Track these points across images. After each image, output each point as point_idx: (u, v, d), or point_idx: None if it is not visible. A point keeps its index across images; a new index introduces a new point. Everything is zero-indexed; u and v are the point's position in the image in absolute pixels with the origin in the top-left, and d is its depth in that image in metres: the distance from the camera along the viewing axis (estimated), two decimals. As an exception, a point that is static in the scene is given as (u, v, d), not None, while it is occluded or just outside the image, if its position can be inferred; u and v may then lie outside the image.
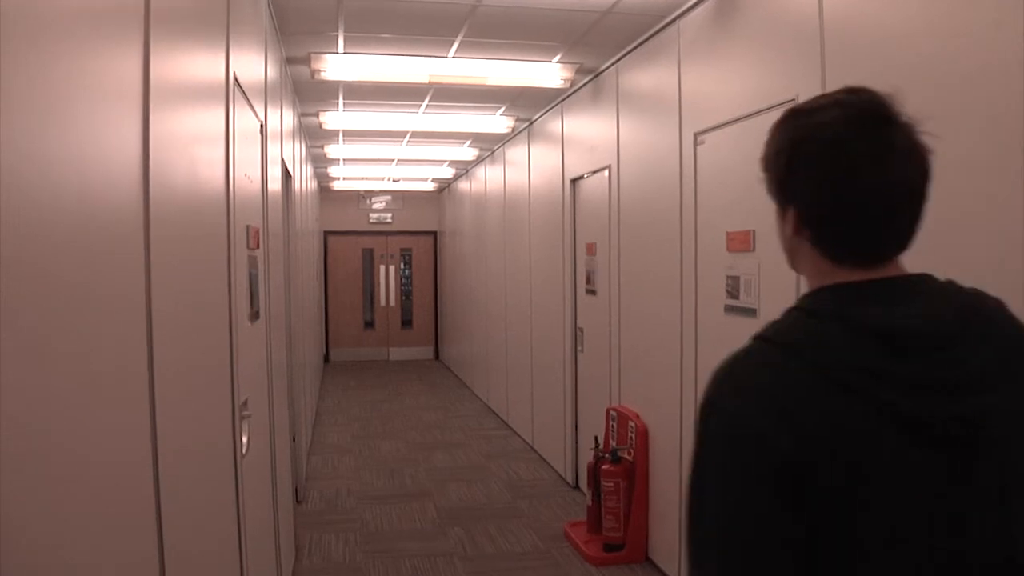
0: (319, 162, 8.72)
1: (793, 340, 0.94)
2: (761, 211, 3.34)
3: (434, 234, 12.54)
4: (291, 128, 5.13)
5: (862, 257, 0.96)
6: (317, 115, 6.08)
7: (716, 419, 0.94)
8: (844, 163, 0.93)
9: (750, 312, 3.11)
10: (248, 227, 2.62)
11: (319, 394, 9.05)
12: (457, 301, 10.85)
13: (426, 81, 4.63)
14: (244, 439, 2.48)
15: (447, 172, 9.83)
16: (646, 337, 4.16)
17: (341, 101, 5.67)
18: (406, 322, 12.65)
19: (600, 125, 4.84)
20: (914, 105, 0.96)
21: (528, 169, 6.64)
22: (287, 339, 4.41)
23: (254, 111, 2.87)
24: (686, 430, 3.70)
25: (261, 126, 3.07)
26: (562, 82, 4.83)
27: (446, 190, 11.48)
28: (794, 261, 1.07)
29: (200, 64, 2.00)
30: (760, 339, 0.96)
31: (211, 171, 2.06)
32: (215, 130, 2.14)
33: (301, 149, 6.37)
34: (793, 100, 2.82)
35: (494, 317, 8.18)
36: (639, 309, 4.27)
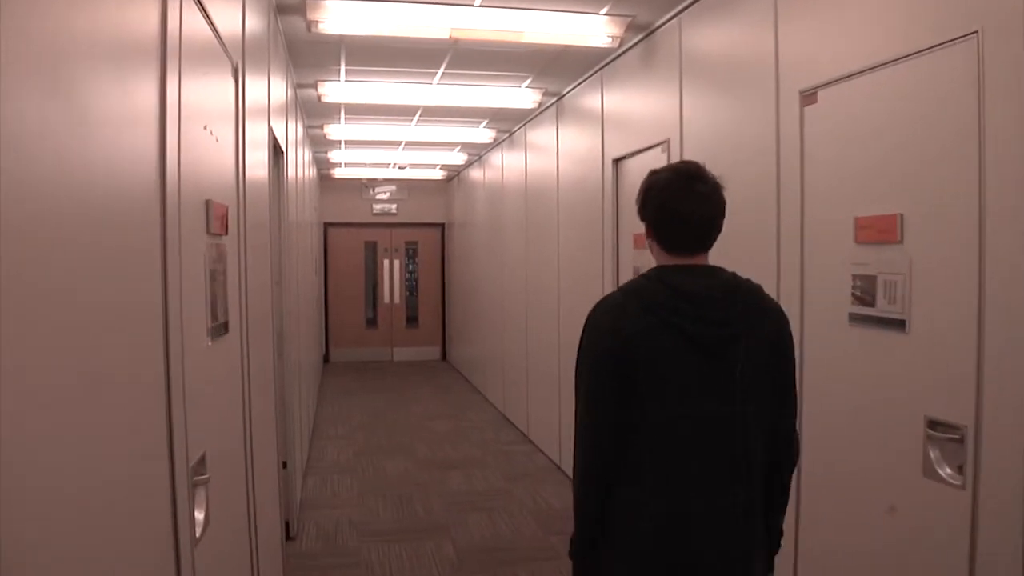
0: (318, 145, 7.90)
1: (632, 289, 1.76)
2: (917, 187, 2.37)
3: (442, 226, 11.72)
4: (283, 97, 4.31)
5: (680, 251, 1.77)
6: (315, 86, 5.27)
7: (588, 328, 1.77)
8: (668, 198, 1.76)
9: (894, 325, 2.31)
10: (209, 204, 1.82)
11: (317, 400, 8.26)
12: (467, 298, 10.04)
13: (447, 36, 3.81)
14: (199, 515, 1.68)
15: (458, 158, 9.01)
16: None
17: (343, 68, 4.86)
18: (411, 320, 11.84)
19: (654, 92, 4.03)
20: None
21: (556, 151, 5.82)
22: (276, 347, 3.60)
23: (220, 40, 2.05)
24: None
25: (235, 68, 2.26)
26: (609, 40, 4.02)
27: (455, 179, 10.67)
28: (652, 254, 1.83)
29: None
30: (618, 290, 1.80)
31: (124, 107, 1.26)
32: (138, 38, 1.33)
33: (297, 128, 5.56)
34: (975, 34, 2.02)
35: (511, 317, 7.38)
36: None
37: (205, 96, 1.86)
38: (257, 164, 2.85)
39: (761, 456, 1.73)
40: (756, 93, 3.06)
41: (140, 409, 1.29)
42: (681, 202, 1.73)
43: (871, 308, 2.41)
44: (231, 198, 2.16)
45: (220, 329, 1.93)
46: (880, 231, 2.37)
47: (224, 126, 2.11)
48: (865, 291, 2.44)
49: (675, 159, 3.76)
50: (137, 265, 1.28)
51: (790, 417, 1.81)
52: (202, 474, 1.70)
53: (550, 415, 5.91)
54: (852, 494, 2.51)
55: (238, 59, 2.32)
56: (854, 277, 2.48)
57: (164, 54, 1.44)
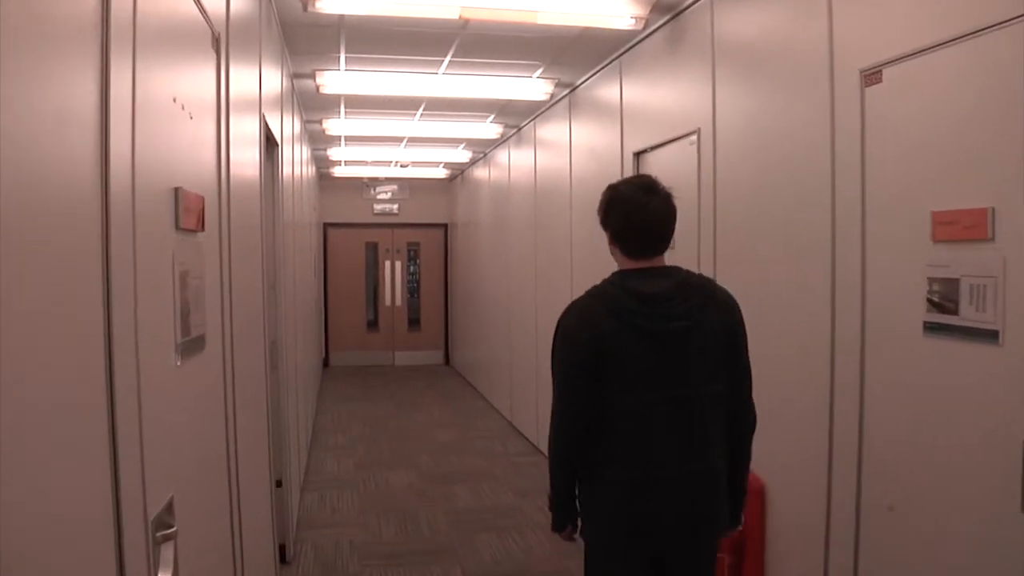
0: (317, 141, 7.58)
1: (597, 294, 2.03)
2: (1012, 176, 2.00)
3: (445, 226, 11.39)
4: (277, 84, 3.99)
5: (640, 256, 2.05)
6: (313, 76, 4.94)
7: (560, 331, 2.04)
8: (629, 210, 2.04)
9: (983, 335, 1.98)
10: (179, 193, 1.49)
11: (316, 407, 7.93)
12: (471, 301, 9.71)
13: (456, 16, 3.49)
14: (164, 576, 1.35)
15: (462, 156, 8.69)
16: (763, 363, 3.01)
17: (343, 56, 4.54)
18: (413, 322, 11.50)
19: (682, 79, 3.70)
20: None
21: (569, 146, 5.49)
22: (268, 358, 3.27)
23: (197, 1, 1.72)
24: (840, 497, 2.56)
25: (216, 38, 1.94)
26: (632, 22, 3.70)
27: (459, 178, 10.34)
28: (616, 259, 2.10)
29: None
30: (586, 295, 2.05)
31: (53, 68, 0.93)
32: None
33: (294, 121, 5.23)
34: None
35: (519, 321, 7.05)
36: (749, 318, 3.12)
37: (173, 60, 1.53)
38: (246, 153, 2.53)
39: (723, 428, 2.08)
40: (805, 75, 2.73)
41: (68, 461, 0.96)
42: (640, 213, 2.03)
43: (953, 316, 2.08)
44: (210, 188, 1.83)
45: (194, 345, 1.60)
46: (965, 227, 2.04)
47: (201, 102, 1.78)
48: (945, 296, 2.11)
49: (707, 149, 3.43)
50: (62, 270, 0.95)
51: (747, 389, 2.15)
52: (167, 527, 1.37)
53: (562, 425, 5.57)
54: (931, 534, 2.18)
55: (220, 29, 2.00)
56: (930, 281, 2.15)
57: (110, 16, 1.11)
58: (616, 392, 1.95)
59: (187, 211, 1.54)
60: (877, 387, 2.38)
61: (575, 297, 2.11)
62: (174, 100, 1.51)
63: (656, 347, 1.95)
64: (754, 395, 2.19)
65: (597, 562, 2.12)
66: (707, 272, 3.46)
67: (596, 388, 1.95)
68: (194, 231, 1.63)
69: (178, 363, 1.47)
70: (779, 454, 2.90)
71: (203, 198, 1.68)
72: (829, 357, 2.58)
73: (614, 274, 2.06)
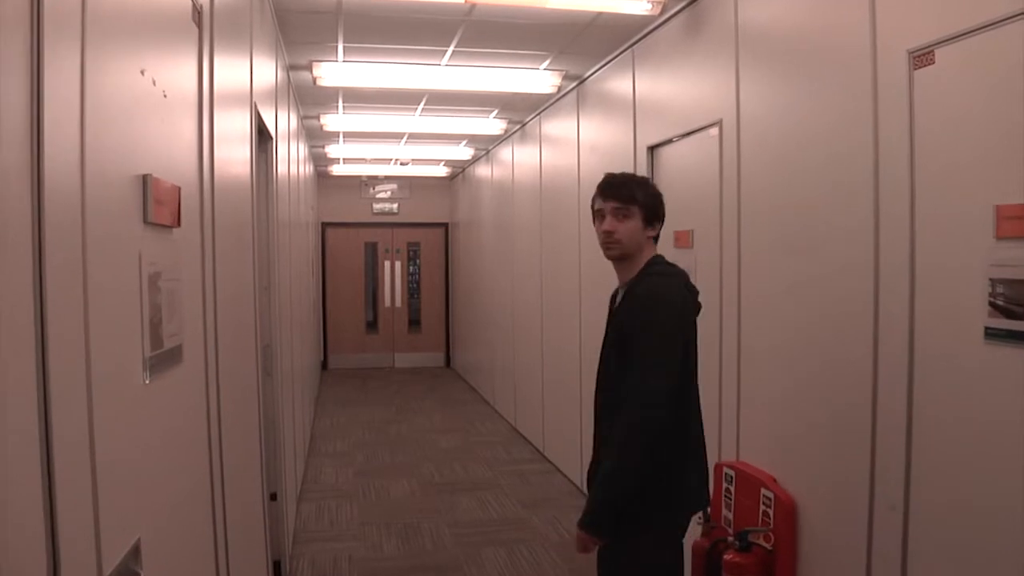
0: (315, 138, 7.36)
1: (668, 272, 2.15)
2: None
3: (445, 226, 11.18)
4: (271, 75, 3.78)
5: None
6: (310, 67, 4.72)
7: (664, 301, 2.04)
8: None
9: (1060, 345, 1.76)
10: (147, 180, 1.27)
11: (315, 411, 7.71)
12: (473, 302, 9.49)
13: (462, 0, 3.27)
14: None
15: (464, 153, 8.47)
16: (795, 368, 2.80)
17: (341, 46, 4.32)
18: (413, 324, 11.28)
19: (702, 67, 3.48)
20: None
21: (577, 141, 5.27)
22: (261, 365, 3.06)
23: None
24: (884, 515, 2.34)
25: (197, 8, 1.72)
26: (648, 7, 3.48)
27: (460, 176, 10.12)
28: (636, 250, 2.15)
29: None
30: (657, 275, 2.11)
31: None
32: None
33: (290, 116, 5.02)
34: None
35: (523, 324, 6.83)
36: (779, 323, 2.91)
37: (141, 27, 1.31)
38: (235, 144, 2.31)
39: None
40: (842, 58, 2.51)
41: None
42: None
43: (1020, 322, 1.87)
44: (190, 179, 1.62)
45: (167, 358, 1.38)
46: (1038, 222, 1.82)
47: (180, 80, 1.56)
48: (1011, 299, 1.89)
49: (730, 140, 3.21)
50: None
51: None
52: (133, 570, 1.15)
53: (570, 432, 5.36)
54: (984, 564, 1.96)
55: (204, 1, 1.78)
56: (993, 282, 1.94)
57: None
58: (683, 364, 2.05)
59: (159, 203, 1.32)
60: (930, 398, 2.16)
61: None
62: (142, 73, 1.29)
63: (694, 323, 2.16)
64: (785, 409, 2.44)
65: (646, 556, 2.10)
66: (732, 268, 3.25)
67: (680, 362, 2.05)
68: (169, 226, 1.41)
69: (146, 381, 1.25)
70: (813, 465, 2.69)
71: (180, 189, 1.46)
72: (871, 367, 2.37)
73: (658, 257, 2.18)
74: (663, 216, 2.22)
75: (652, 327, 2.00)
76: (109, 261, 1.08)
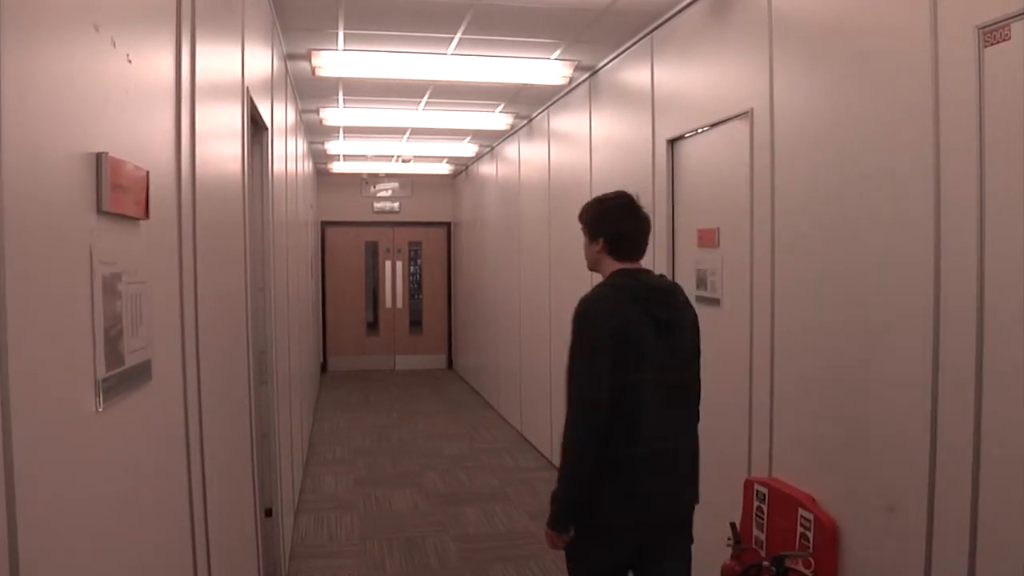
0: (314, 134, 7.12)
1: (616, 285, 2.25)
2: None
3: (448, 225, 10.93)
4: (267, 62, 3.54)
5: (628, 257, 2.32)
6: (309, 56, 4.48)
7: (586, 317, 2.18)
8: (622, 216, 2.34)
9: None
10: (102, 160, 1.03)
11: (314, 416, 7.47)
12: (476, 303, 9.25)
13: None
14: None
15: (468, 150, 8.22)
16: (844, 377, 2.55)
17: (341, 33, 4.08)
18: (415, 325, 11.03)
19: (730, 54, 3.24)
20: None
21: (589, 137, 5.03)
22: (254, 373, 2.82)
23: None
24: (944, 550, 2.10)
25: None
26: (671, -12, 3.24)
27: (463, 174, 9.88)
28: (596, 265, 2.39)
29: None
30: (603, 287, 2.26)
31: None
32: None
33: (288, 109, 4.77)
34: None
35: (531, 326, 6.59)
36: (817, 323, 2.67)
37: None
38: (222, 130, 2.06)
39: (696, 410, 2.41)
40: (895, 37, 2.27)
41: None
42: (633, 221, 2.35)
43: (1121, 332, 1.63)
44: (163, 164, 1.37)
45: (129, 378, 1.14)
46: None
47: (148, 43, 1.32)
48: (1109, 306, 1.65)
49: (763, 130, 2.96)
50: None
51: (699, 377, 2.42)
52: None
53: (580, 440, 5.11)
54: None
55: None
56: (1085, 286, 1.70)
57: None
58: (630, 371, 2.15)
59: (118, 188, 1.08)
60: (1000, 398, 1.91)
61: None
62: (96, 29, 1.05)
63: (662, 333, 2.21)
64: (828, 425, 2.42)
65: (587, 551, 2.26)
66: (764, 265, 3.00)
67: (617, 370, 2.14)
68: (134, 218, 1.17)
69: (99, 408, 1.01)
70: (856, 485, 2.45)
71: (148, 173, 1.22)
72: (928, 367, 2.12)
73: (617, 272, 2.31)
74: (606, 230, 2.33)
75: (573, 338, 2.21)
76: (41, 258, 0.84)
